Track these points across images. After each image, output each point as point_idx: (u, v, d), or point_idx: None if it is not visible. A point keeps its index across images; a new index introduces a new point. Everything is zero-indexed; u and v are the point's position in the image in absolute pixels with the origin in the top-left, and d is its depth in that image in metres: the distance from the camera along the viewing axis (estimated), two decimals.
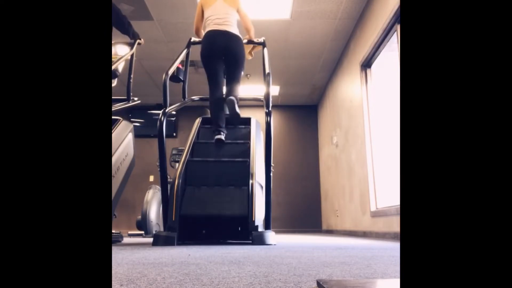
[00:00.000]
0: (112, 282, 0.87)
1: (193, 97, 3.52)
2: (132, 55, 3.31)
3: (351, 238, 3.83)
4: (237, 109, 2.91)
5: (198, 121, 3.52)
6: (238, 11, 3.13)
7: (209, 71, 3.05)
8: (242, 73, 3.19)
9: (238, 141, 3.17)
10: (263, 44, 3.27)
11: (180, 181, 2.67)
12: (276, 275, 0.98)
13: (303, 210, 7.07)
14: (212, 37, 3.00)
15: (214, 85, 3.05)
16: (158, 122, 2.71)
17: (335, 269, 1.10)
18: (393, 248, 2.10)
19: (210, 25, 3.04)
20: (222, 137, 2.96)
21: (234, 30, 3.06)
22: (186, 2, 4.16)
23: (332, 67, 5.87)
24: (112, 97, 3.19)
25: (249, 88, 6.56)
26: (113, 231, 2.99)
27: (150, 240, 3.34)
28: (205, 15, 3.11)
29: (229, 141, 3.15)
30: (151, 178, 7.09)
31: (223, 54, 3.02)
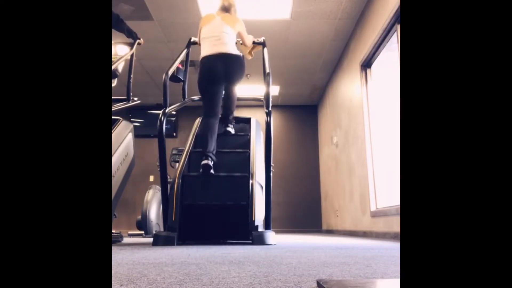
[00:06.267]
0: (112, 282, 0.87)
1: (193, 97, 3.52)
2: (132, 55, 3.31)
3: (351, 238, 3.83)
4: (230, 129, 3.19)
5: (197, 121, 3.52)
6: (238, 34, 2.98)
7: (207, 94, 2.88)
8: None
9: (238, 147, 3.13)
10: (263, 44, 3.26)
11: (180, 181, 2.66)
12: (276, 275, 0.98)
13: (303, 210, 7.07)
14: (211, 63, 2.82)
15: (210, 107, 2.87)
16: (158, 122, 2.70)
17: (335, 269, 1.10)
18: (393, 248, 2.10)
19: (206, 48, 2.85)
20: (210, 163, 2.67)
21: (232, 48, 2.86)
22: (186, 2, 4.16)
23: (332, 67, 5.87)
24: (112, 97, 3.19)
25: (249, 88, 6.55)
26: (113, 231, 2.99)
27: (150, 240, 3.34)
28: (201, 35, 2.93)
29: (228, 150, 3.07)
30: (151, 178, 7.09)
31: (224, 79, 2.87)
